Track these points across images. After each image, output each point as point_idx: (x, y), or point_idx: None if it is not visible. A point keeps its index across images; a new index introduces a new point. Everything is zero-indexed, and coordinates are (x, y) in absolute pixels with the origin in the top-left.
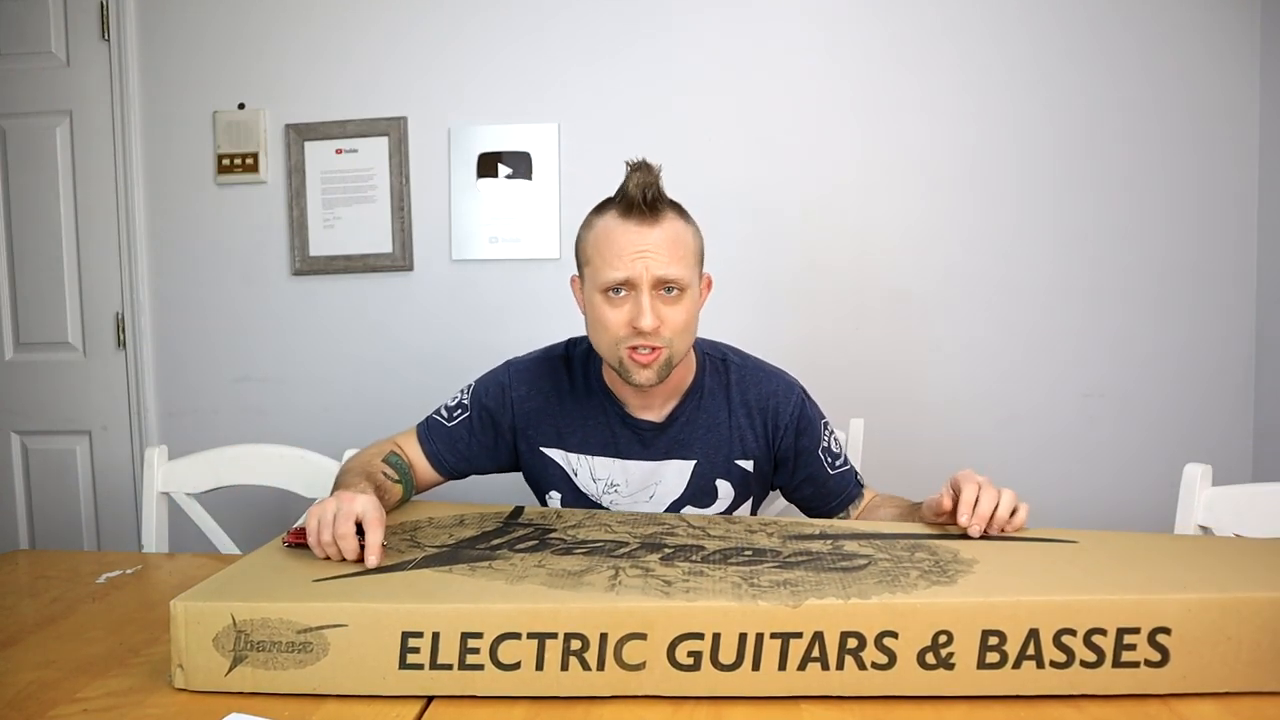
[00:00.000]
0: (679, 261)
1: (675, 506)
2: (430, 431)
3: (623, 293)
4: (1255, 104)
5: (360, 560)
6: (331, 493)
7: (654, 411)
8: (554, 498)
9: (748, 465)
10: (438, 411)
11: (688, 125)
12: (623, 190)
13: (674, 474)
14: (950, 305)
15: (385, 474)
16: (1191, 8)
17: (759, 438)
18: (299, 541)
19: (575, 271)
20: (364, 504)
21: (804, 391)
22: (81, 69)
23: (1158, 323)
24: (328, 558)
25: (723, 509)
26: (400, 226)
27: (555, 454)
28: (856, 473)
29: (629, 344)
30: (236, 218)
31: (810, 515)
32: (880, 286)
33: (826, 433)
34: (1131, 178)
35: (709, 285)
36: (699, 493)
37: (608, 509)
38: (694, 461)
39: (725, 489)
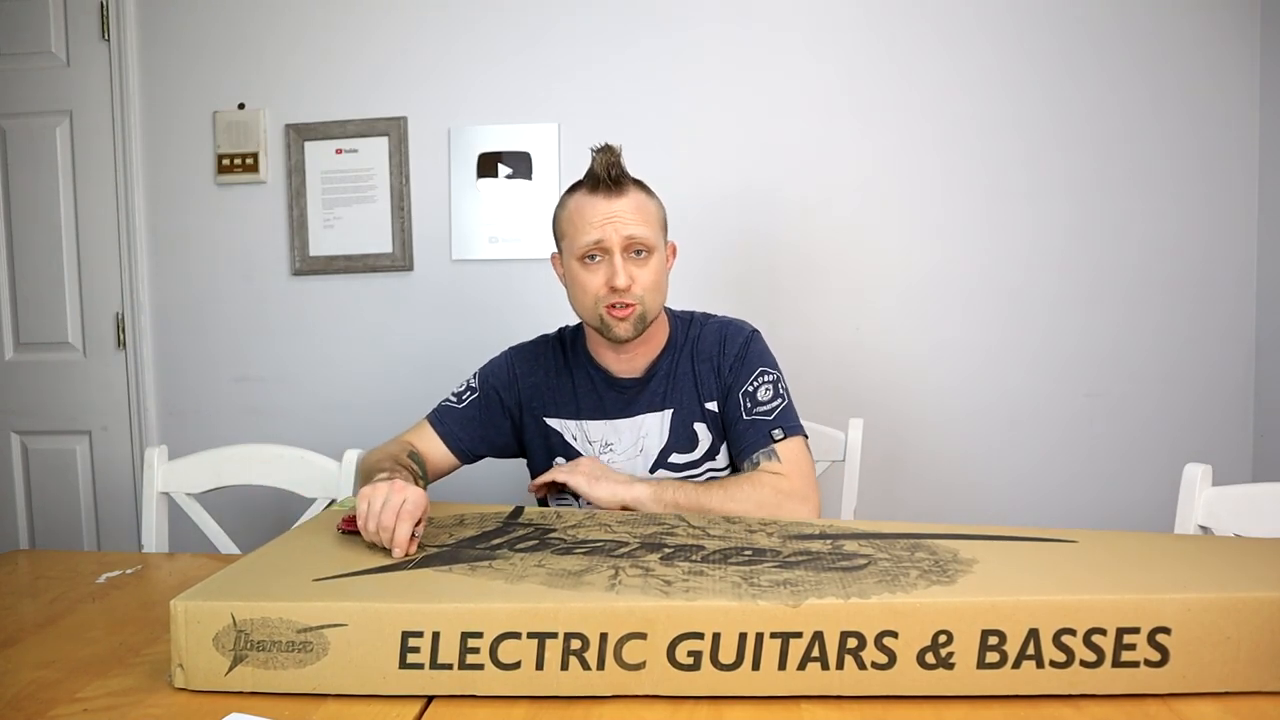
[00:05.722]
0: (644, 224)
1: (663, 455)
2: (442, 416)
3: (598, 258)
4: (1255, 105)
5: (406, 552)
6: (359, 483)
7: (636, 371)
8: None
9: (714, 407)
10: (446, 400)
11: (688, 125)
12: (590, 170)
13: (655, 425)
14: (950, 306)
15: (409, 467)
16: (1192, 10)
17: (715, 373)
18: (351, 529)
19: (555, 250)
20: (409, 497)
21: (757, 335)
22: (81, 69)
23: (1159, 323)
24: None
25: (704, 452)
26: (400, 226)
27: (555, 423)
28: (775, 438)
29: (607, 303)
30: (236, 218)
31: None
32: (880, 287)
33: (759, 379)
34: (1132, 178)
35: (674, 252)
36: (681, 440)
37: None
38: (671, 410)
39: (703, 432)
